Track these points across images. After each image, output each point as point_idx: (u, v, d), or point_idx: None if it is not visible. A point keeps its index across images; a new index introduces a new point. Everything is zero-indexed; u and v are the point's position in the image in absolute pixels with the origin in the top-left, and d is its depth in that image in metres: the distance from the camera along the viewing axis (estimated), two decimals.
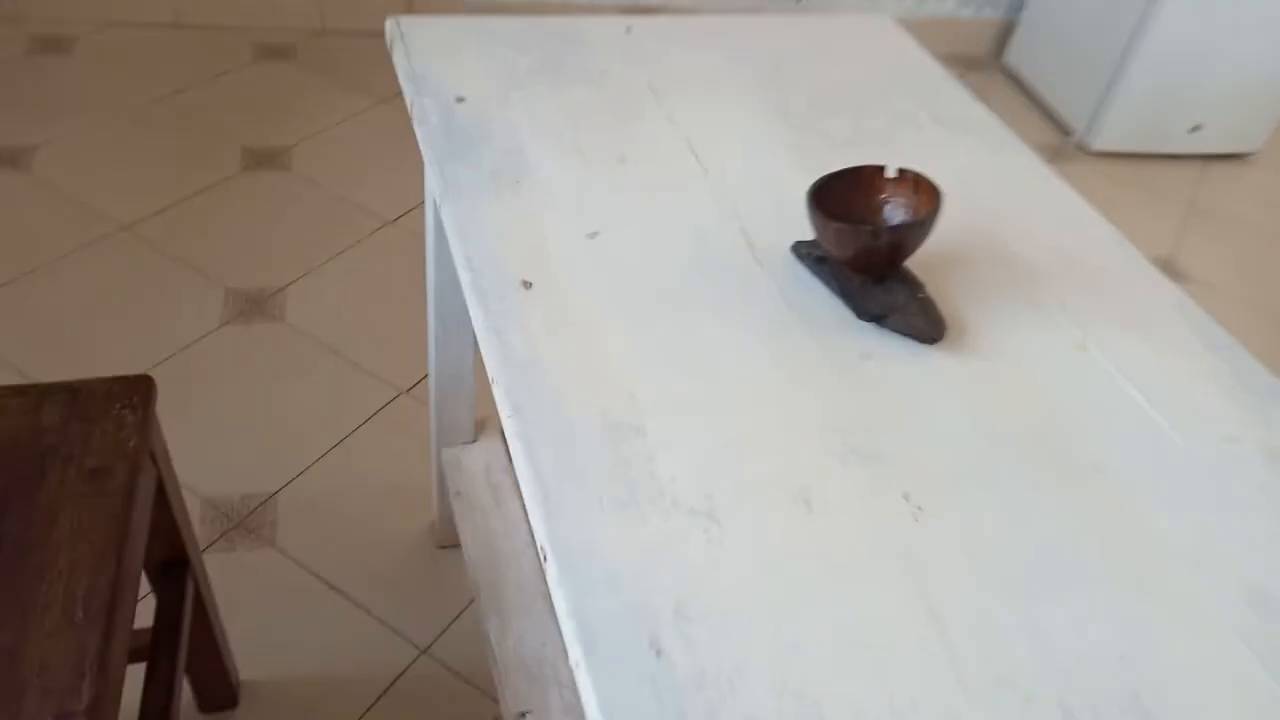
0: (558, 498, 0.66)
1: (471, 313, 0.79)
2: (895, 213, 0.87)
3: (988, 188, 1.01)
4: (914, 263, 0.89)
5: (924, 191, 0.85)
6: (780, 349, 0.80)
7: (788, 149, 1.02)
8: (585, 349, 0.76)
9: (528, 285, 0.81)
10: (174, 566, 1.16)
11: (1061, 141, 2.91)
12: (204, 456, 1.71)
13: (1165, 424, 0.78)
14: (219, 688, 1.34)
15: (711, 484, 0.68)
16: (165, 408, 1.75)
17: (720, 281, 0.85)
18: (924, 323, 0.82)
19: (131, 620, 0.93)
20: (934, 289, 0.87)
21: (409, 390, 1.88)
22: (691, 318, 0.81)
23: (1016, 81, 3.17)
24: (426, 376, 1.90)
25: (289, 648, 1.48)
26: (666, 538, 0.65)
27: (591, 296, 0.81)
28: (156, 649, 1.11)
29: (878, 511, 0.69)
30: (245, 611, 1.50)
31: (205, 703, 1.35)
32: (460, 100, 1.01)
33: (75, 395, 1.01)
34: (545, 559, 0.63)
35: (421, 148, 0.95)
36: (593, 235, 0.87)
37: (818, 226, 0.81)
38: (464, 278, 0.81)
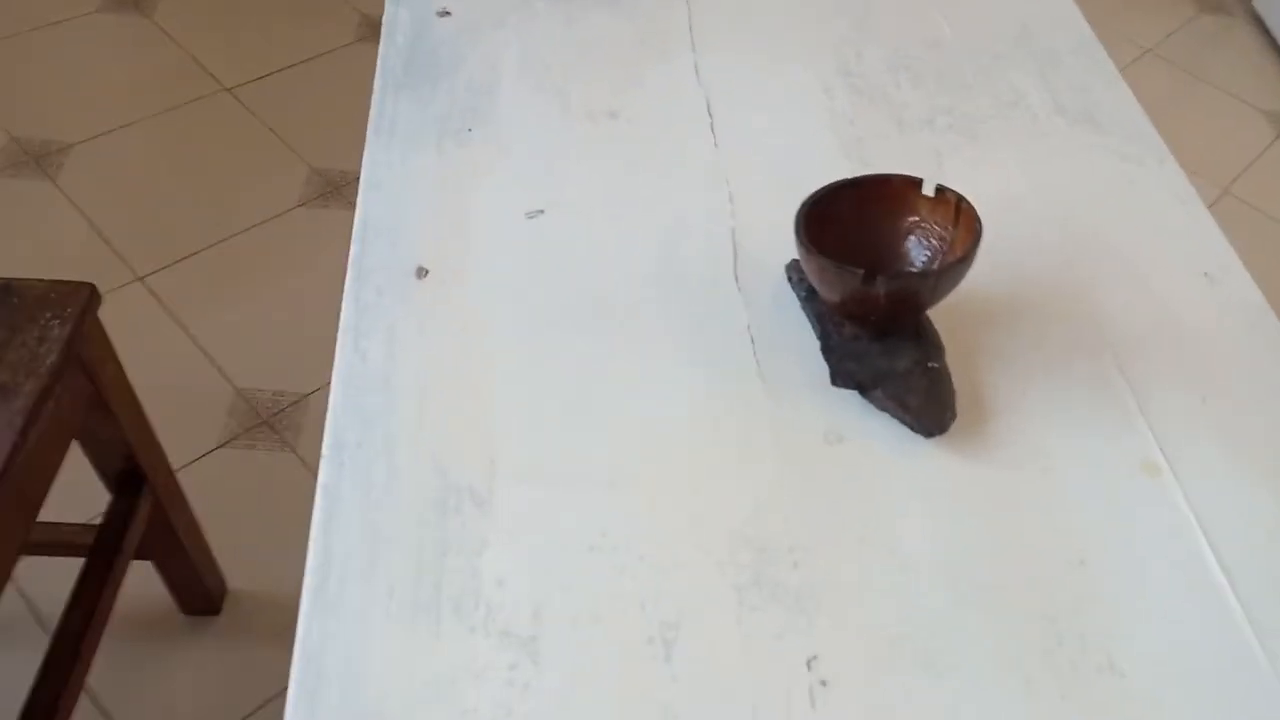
0: (337, 588, 0.51)
1: (343, 301, 0.63)
2: (921, 248, 0.64)
3: (1090, 210, 0.76)
4: (944, 311, 0.66)
5: (964, 224, 0.62)
6: (723, 413, 0.60)
7: (836, 125, 0.79)
8: (459, 375, 0.59)
9: (422, 274, 0.64)
10: (130, 477, 1.10)
11: None
12: (249, 344, 1.65)
13: (1249, 630, 0.54)
14: (196, 595, 1.29)
15: (548, 600, 0.51)
16: (221, 285, 1.71)
17: (680, 301, 0.65)
18: (923, 404, 0.60)
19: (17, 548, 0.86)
20: (960, 352, 0.64)
21: None
22: (620, 348, 0.62)
23: (1263, 29, 2.64)
24: None
25: (281, 561, 1.42)
26: (458, 670, 0.48)
27: (499, 300, 0.64)
28: (93, 555, 1.06)
29: (764, 678, 0.50)
30: (248, 517, 1.46)
31: (185, 606, 1.32)
32: (444, 14, 0.83)
33: (6, 296, 0.93)
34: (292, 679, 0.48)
35: (377, 73, 0.78)
36: (533, 215, 0.69)
37: (801, 252, 0.60)
38: (352, 250, 0.65)
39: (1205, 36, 2.57)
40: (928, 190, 0.63)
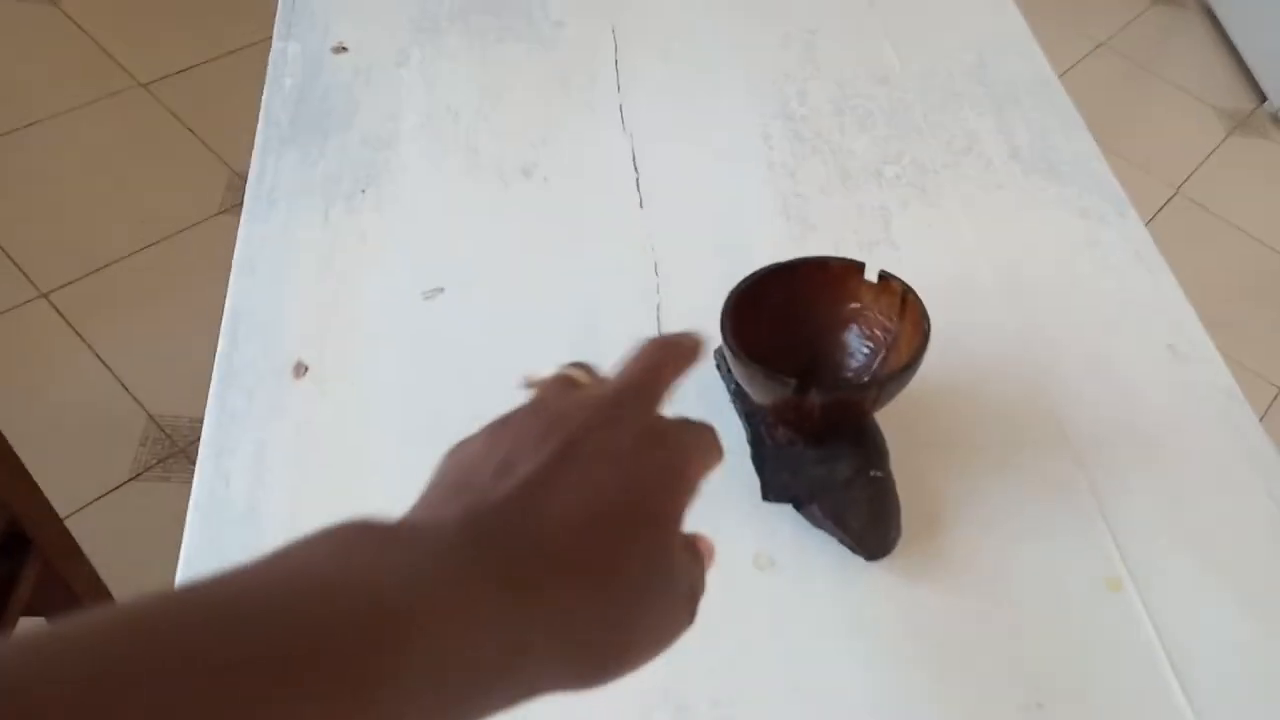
0: None
1: (206, 410, 0.55)
2: (862, 341, 0.57)
3: (1048, 278, 0.70)
4: (893, 409, 0.60)
5: (911, 318, 0.55)
6: None
7: (775, 179, 0.72)
8: (339, 502, 0.52)
9: (301, 371, 0.56)
10: (12, 541, 1.01)
11: (1252, 109, 2.39)
12: (165, 366, 1.55)
13: None
14: None
15: None
16: (134, 300, 1.60)
17: None
18: (865, 523, 0.54)
19: None
20: (906, 451, 0.58)
21: None
22: None
23: (1214, 22, 2.61)
24: None
25: None
26: None
27: (389, 403, 0.56)
28: None
29: None
30: (162, 558, 1.37)
31: None
32: (340, 49, 0.74)
33: None
34: None
35: (259, 125, 0.69)
36: (431, 295, 0.61)
37: (727, 353, 0.53)
38: (219, 346, 0.57)
39: (1158, 29, 2.53)
40: (870, 275, 0.56)
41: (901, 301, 0.55)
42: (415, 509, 0.30)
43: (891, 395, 0.53)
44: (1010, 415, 0.62)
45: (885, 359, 0.56)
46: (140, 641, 0.21)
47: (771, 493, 0.55)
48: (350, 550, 0.26)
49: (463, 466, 0.31)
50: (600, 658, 0.29)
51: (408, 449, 0.54)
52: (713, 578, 0.53)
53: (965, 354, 0.64)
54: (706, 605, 0.52)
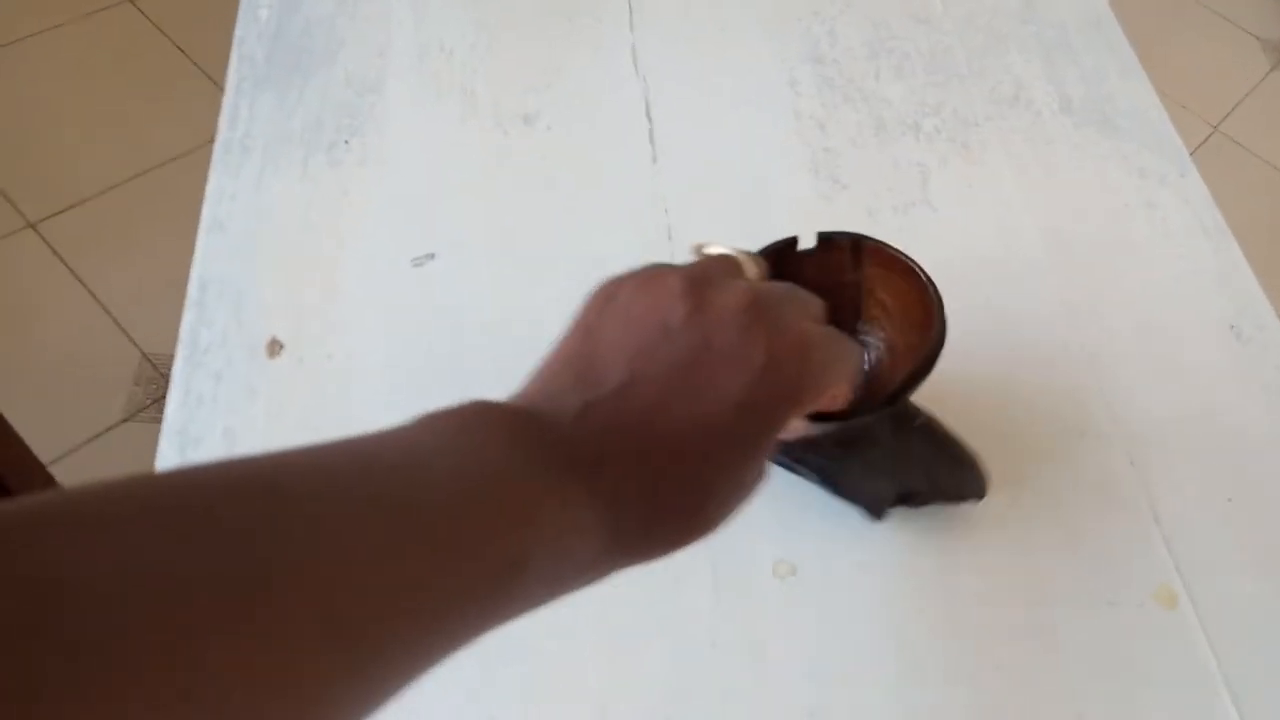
0: None
1: (169, 393, 0.50)
2: (875, 340, 0.50)
3: (1100, 244, 0.63)
4: (920, 392, 0.54)
5: (924, 312, 0.46)
6: None
7: (803, 131, 0.65)
8: None
9: (275, 349, 0.51)
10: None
11: None
12: (159, 301, 1.49)
13: None
14: None
15: None
16: (127, 232, 1.54)
17: None
18: (952, 467, 0.49)
19: None
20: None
21: None
22: None
23: None
24: None
25: None
26: None
27: (373, 385, 0.51)
28: None
29: None
30: None
31: None
32: None
33: None
34: None
35: (231, 63, 0.62)
36: (421, 261, 0.55)
37: None
38: (184, 319, 0.52)
39: None
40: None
41: (921, 295, 0.47)
42: (535, 382, 0.31)
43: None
44: (1054, 401, 0.57)
45: (891, 342, 0.48)
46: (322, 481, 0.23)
47: (877, 506, 0.49)
48: (473, 430, 0.27)
49: (594, 345, 0.30)
50: (681, 535, 0.30)
51: None
52: (726, 588, 0.48)
53: (1005, 330, 0.59)
54: (718, 620, 0.47)
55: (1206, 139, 1.96)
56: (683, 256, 0.58)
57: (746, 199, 0.61)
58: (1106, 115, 0.70)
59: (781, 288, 0.33)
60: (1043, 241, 0.63)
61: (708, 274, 0.32)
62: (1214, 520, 0.53)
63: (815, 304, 0.34)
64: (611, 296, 0.32)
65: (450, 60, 0.64)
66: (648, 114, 0.64)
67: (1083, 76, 0.72)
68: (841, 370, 0.33)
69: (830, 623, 0.47)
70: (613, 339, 0.30)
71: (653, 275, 0.32)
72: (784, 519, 0.50)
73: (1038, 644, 0.48)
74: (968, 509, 0.51)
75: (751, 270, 0.35)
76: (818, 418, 0.39)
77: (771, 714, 0.45)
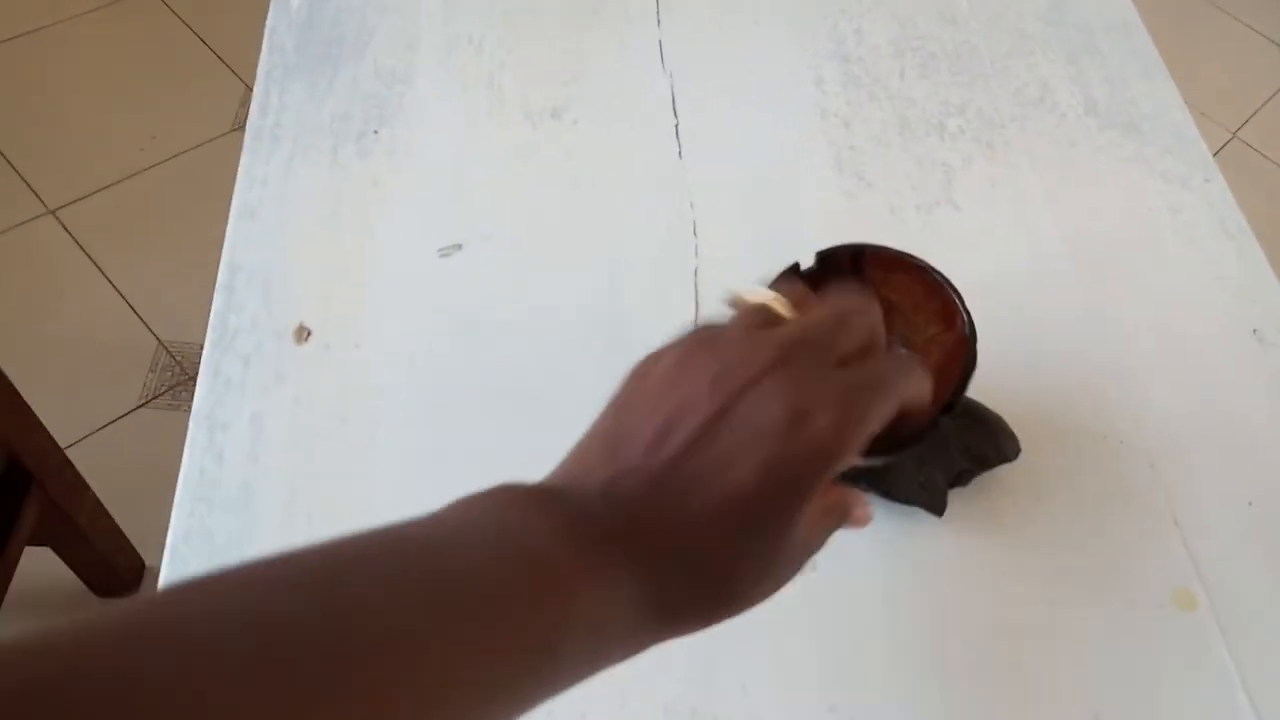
0: None
1: (199, 377, 0.51)
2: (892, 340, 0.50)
3: (1124, 247, 0.63)
4: None
5: (938, 301, 0.46)
6: None
7: (828, 129, 0.65)
8: (345, 483, 0.47)
9: (303, 335, 0.51)
10: (13, 476, 0.98)
11: None
12: (176, 289, 1.50)
13: None
14: (106, 577, 1.19)
15: None
16: (145, 220, 1.55)
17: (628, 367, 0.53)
18: (988, 433, 0.50)
19: None
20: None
21: None
22: (552, 435, 0.50)
23: None
24: None
25: None
26: None
27: (400, 372, 0.51)
28: None
29: None
30: (171, 486, 1.34)
31: (96, 588, 1.21)
32: None
33: None
34: None
35: (262, 51, 0.63)
36: (448, 252, 0.55)
37: None
38: (214, 303, 0.52)
39: None
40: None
41: (950, 322, 0.46)
42: (568, 462, 0.32)
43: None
44: (1076, 404, 0.57)
45: (907, 339, 0.47)
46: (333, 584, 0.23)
47: (937, 500, 0.50)
48: (508, 510, 0.28)
49: (626, 422, 0.31)
50: (713, 609, 0.30)
51: (419, 425, 0.49)
52: None
53: (1027, 331, 0.59)
54: (739, 617, 0.47)
55: (1225, 145, 1.95)
56: (707, 255, 0.59)
57: (771, 196, 0.61)
58: (1131, 119, 0.70)
59: (824, 325, 0.32)
60: (1065, 244, 0.63)
61: (739, 351, 0.31)
62: (1234, 524, 0.53)
63: (864, 325, 0.33)
64: (645, 375, 0.32)
65: (478, 53, 0.64)
66: (674, 109, 0.64)
67: (1108, 79, 0.72)
68: (901, 392, 0.32)
69: (850, 619, 0.48)
70: (642, 417, 0.30)
71: (687, 354, 0.32)
72: None
73: (1057, 643, 0.48)
74: (990, 506, 0.51)
75: (788, 313, 0.34)
76: (882, 448, 0.38)
77: (791, 709, 0.45)
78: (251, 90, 0.59)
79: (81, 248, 1.52)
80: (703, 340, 0.32)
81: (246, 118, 1.70)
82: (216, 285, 0.52)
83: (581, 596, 0.27)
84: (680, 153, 0.62)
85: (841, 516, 0.34)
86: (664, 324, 0.50)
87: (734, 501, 0.29)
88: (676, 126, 0.63)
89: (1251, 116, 2.01)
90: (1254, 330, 0.61)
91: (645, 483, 0.29)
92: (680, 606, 0.29)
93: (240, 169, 0.56)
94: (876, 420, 0.31)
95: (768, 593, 0.31)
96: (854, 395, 0.30)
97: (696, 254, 0.58)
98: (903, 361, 0.33)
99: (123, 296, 1.48)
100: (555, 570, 0.27)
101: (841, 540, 0.49)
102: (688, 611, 0.29)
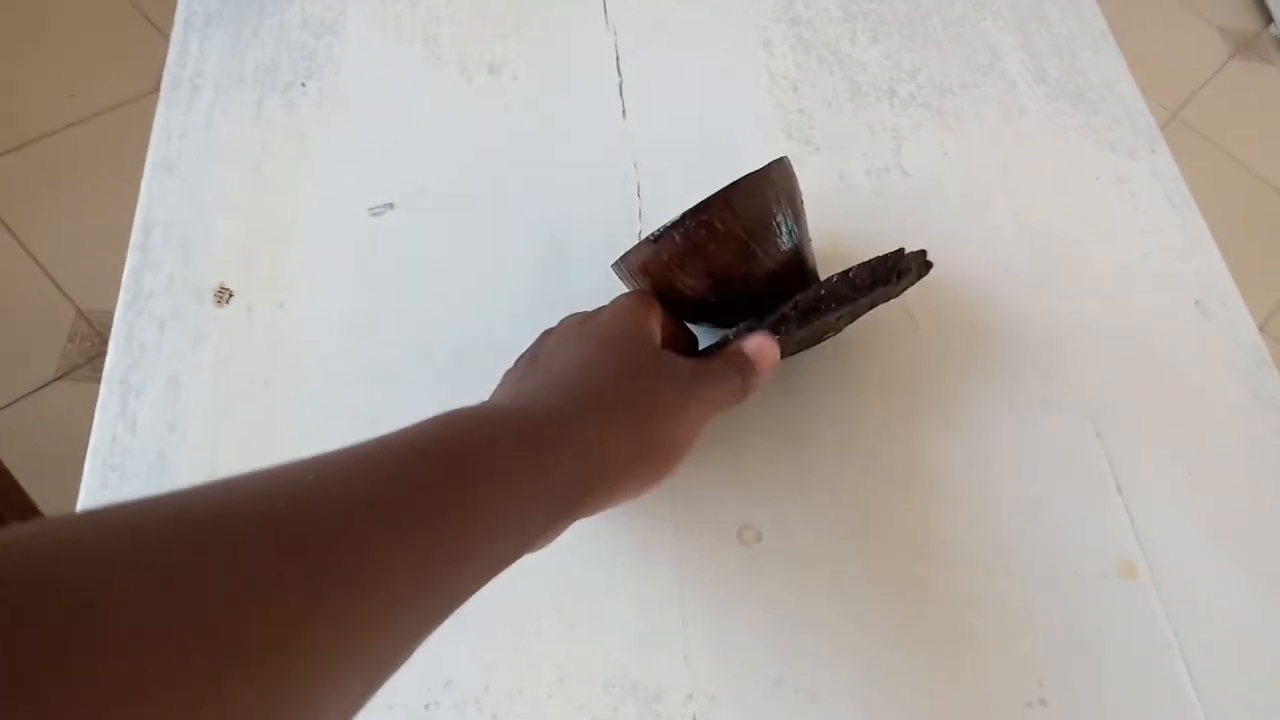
0: None
1: (110, 340, 0.47)
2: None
3: (1070, 215, 0.63)
4: (882, 341, 0.53)
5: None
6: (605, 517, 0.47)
7: (776, 91, 0.64)
8: (266, 451, 0.44)
9: (224, 297, 0.48)
10: None
11: (1256, 32, 2.31)
12: (95, 255, 1.44)
13: None
14: None
15: None
16: (62, 182, 1.48)
17: None
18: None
19: None
20: (900, 412, 0.52)
21: None
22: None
23: None
24: None
25: None
26: None
27: (326, 336, 0.48)
28: None
29: None
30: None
31: None
32: None
33: None
34: None
35: None
36: (379, 211, 0.53)
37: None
38: (128, 262, 0.49)
39: None
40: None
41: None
42: (501, 386, 0.42)
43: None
44: (1020, 363, 0.56)
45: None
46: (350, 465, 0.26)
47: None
48: (468, 411, 0.32)
49: (538, 361, 0.41)
50: (663, 461, 0.38)
51: (348, 389, 0.46)
52: (690, 554, 0.47)
53: (972, 296, 0.58)
54: (681, 586, 0.46)
55: (1165, 125, 1.98)
56: (651, 217, 0.57)
57: (718, 158, 0.60)
58: (1079, 88, 0.69)
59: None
60: (1013, 211, 0.62)
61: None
62: (1174, 493, 0.53)
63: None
64: (544, 338, 0.43)
65: (413, 3, 0.61)
66: (618, 67, 0.62)
67: (1056, 48, 0.71)
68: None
69: (796, 589, 0.47)
70: (550, 353, 0.41)
71: (565, 325, 0.43)
72: (748, 484, 0.49)
73: (1001, 613, 0.48)
74: (935, 474, 0.50)
75: None
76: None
77: (736, 681, 0.44)
78: None
79: None
80: (573, 318, 0.44)
81: None
82: (130, 244, 0.49)
83: (570, 438, 0.32)
84: (624, 112, 0.60)
85: (739, 357, 0.43)
86: (607, 288, 0.48)
87: (601, 346, 0.39)
88: (620, 85, 0.61)
89: (1192, 96, 2.05)
90: (1196, 301, 0.61)
91: (577, 381, 0.36)
92: (626, 461, 0.35)
93: (156, 121, 0.53)
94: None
95: (688, 414, 0.39)
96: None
97: (640, 217, 0.56)
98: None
99: (38, 263, 1.41)
100: (543, 425, 0.32)
101: (787, 510, 0.48)
102: (631, 467, 0.35)
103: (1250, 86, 2.10)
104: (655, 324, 0.42)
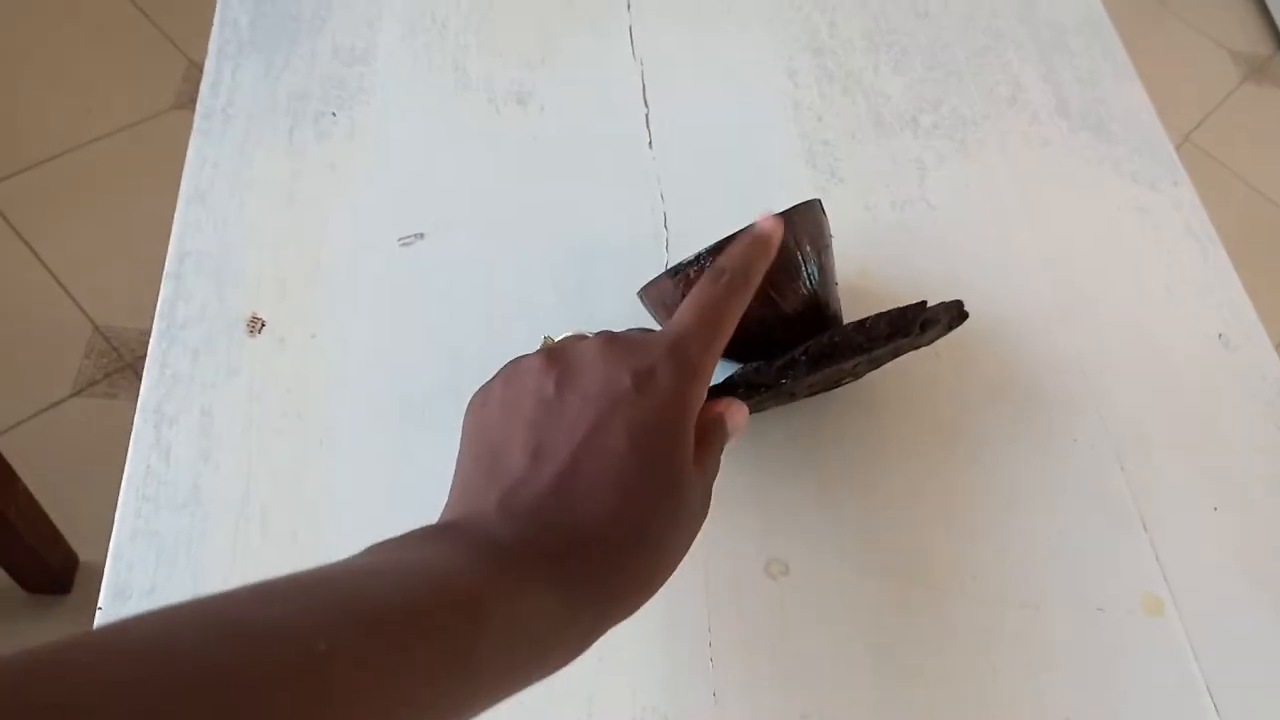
0: None
1: (145, 370, 0.48)
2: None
3: (1093, 248, 0.63)
4: (900, 377, 0.54)
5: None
6: None
7: (801, 121, 0.64)
8: (300, 481, 0.45)
9: (256, 327, 0.49)
10: None
11: (1268, 55, 2.31)
12: (112, 272, 1.45)
13: None
14: (38, 573, 1.14)
15: None
16: (79, 199, 1.49)
17: None
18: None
19: None
20: (920, 443, 0.52)
21: None
22: None
23: None
24: None
25: None
26: None
27: (359, 366, 0.49)
28: None
29: None
30: (106, 478, 1.29)
31: (26, 584, 1.17)
32: None
33: None
34: None
35: (214, 26, 0.60)
36: (409, 241, 0.53)
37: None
38: (161, 293, 0.49)
39: None
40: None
41: None
42: (453, 496, 0.33)
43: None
44: (1044, 398, 0.56)
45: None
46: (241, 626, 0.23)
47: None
48: (409, 550, 0.28)
49: (490, 442, 0.33)
50: (639, 590, 0.31)
51: (380, 420, 0.47)
52: (718, 587, 0.47)
53: (996, 328, 0.58)
54: (709, 619, 0.46)
55: (1176, 148, 1.99)
56: (678, 248, 0.57)
57: (742, 188, 0.60)
58: (1101, 119, 0.70)
59: (612, 337, 0.35)
60: (1036, 244, 0.62)
61: (560, 346, 0.35)
62: (1200, 528, 0.53)
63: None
64: (485, 401, 0.34)
65: (443, 34, 0.62)
66: (644, 98, 0.62)
67: (1078, 79, 0.71)
68: (721, 312, 0.35)
69: (823, 623, 0.47)
70: (504, 430, 0.32)
71: (513, 367, 0.35)
72: (776, 518, 0.49)
73: (1027, 648, 0.48)
74: (958, 510, 0.50)
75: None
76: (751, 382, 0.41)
77: (765, 715, 0.44)
78: (194, 65, 0.56)
79: (12, 226, 1.46)
80: (517, 363, 0.35)
81: (189, 94, 1.64)
82: (164, 273, 0.49)
83: (490, 604, 0.27)
84: (650, 142, 0.61)
85: (721, 430, 0.36)
86: (633, 318, 0.49)
87: (614, 473, 0.30)
88: (647, 116, 0.61)
89: (1204, 120, 2.05)
90: (1219, 334, 0.61)
91: (536, 489, 0.30)
92: (600, 594, 0.30)
93: (190, 150, 0.53)
94: (708, 349, 0.34)
95: (690, 533, 0.33)
96: (681, 339, 0.33)
97: (667, 248, 0.57)
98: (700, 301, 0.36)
99: (55, 278, 1.42)
100: (462, 585, 0.27)
101: (814, 544, 0.48)
102: (612, 593, 0.30)
103: (1262, 110, 2.11)
104: (692, 425, 0.33)
